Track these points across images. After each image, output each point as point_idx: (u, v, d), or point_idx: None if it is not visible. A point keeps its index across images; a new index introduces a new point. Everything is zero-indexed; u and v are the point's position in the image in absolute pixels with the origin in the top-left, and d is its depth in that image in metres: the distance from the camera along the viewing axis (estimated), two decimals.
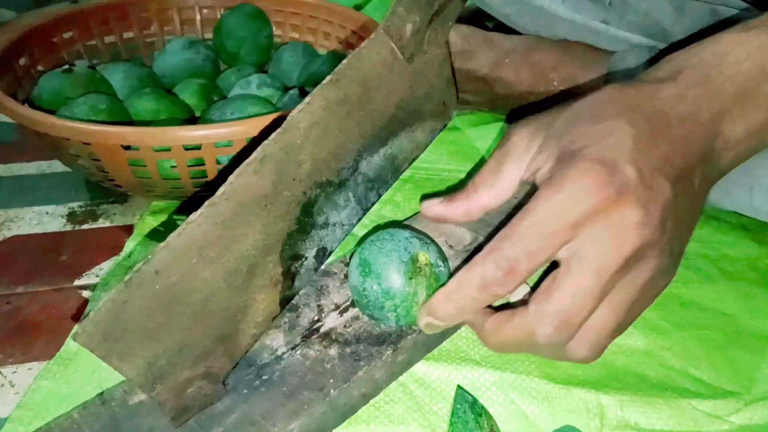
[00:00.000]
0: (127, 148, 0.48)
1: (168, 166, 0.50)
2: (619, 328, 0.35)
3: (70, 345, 0.43)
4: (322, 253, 0.39)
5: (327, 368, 0.38)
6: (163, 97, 0.58)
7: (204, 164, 0.50)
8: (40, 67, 0.64)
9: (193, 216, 0.32)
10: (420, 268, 0.38)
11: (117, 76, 0.62)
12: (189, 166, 0.49)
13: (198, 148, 0.48)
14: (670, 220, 0.34)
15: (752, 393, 0.42)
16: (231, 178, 0.33)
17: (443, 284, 0.37)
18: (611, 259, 0.32)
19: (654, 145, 0.34)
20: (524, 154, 0.38)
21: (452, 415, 0.37)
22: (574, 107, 0.37)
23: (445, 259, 0.40)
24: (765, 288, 0.51)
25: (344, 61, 0.37)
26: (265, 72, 0.67)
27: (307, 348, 0.39)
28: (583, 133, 0.35)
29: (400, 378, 0.41)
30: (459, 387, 0.39)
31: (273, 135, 0.34)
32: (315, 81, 0.63)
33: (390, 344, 0.39)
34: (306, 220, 0.37)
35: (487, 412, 0.38)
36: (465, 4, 0.43)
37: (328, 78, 0.36)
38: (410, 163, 0.44)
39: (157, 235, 0.54)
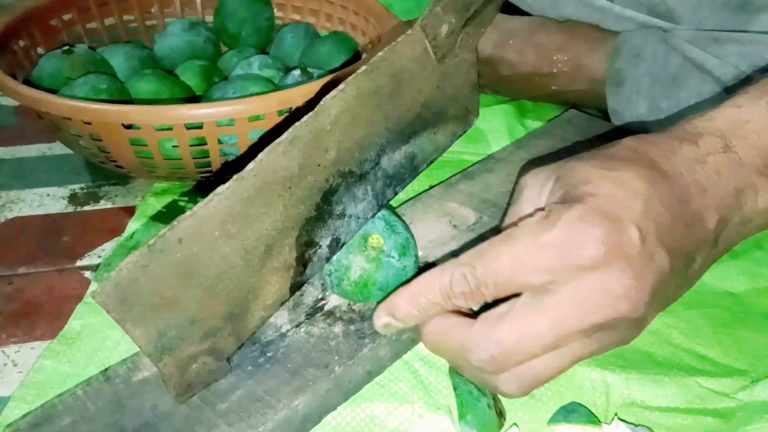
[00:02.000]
0: (129, 127, 0.48)
1: (170, 146, 0.49)
2: (557, 376, 0.33)
3: (72, 325, 0.43)
4: (335, 244, 0.39)
5: (331, 345, 0.38)
6: (165, 78, 0.58)
7: (206, 144, 0.49)
8: (39, 50, 0.63)
9: (221, 189, 0.32)
10: (366, 248, 0.38)
11: (118, 58, 0.62)
12: (191, 145, 0.49)
13: (200, 127, 0.47)
14: (657, 297, 0.31)
15: (759, 371, 0.42)
16: (261, 155, 0.33)
17: (385, 275, 0.38)
18: (577, 320, 0.30)
19: (666, 212, 0.31)
20: (537, 203, 0.35)
21: (454, 389, 0.37)
22: (589, 152, 0.35)
23: (406, 255, 0.40)
24: None
25: (379, 54, 0.37)
26: (267, 54, 0.67)
27: (312, 326, 0.39)
28: (594, 175, 0.32)
29: (405, 356, 0.41)
30: (450, 368, 0.39)
31: (305, 117, 0.34)
32: (317, 63, 0.62)
33: None
34: (325, 207, 0.37)
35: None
36: (498, 11, 0.43)
37: (362, 68, 0.36)
38: (428, 165, 0.44)
39: (160, 216, 0.53)
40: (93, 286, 0.47)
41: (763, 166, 0.34)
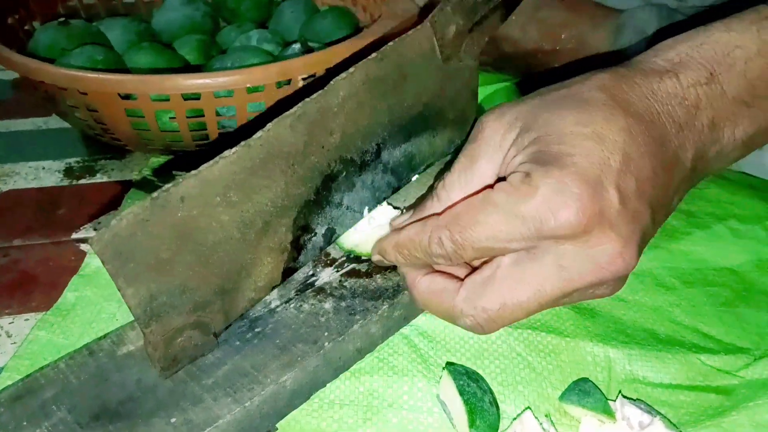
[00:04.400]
0: (126, 98, 0.47)
1: (167, 118, 0.49)
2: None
3: (67, 296, 0.42)
4: (330, 234, 0.39)
5: (321, 322, 0.37)
6: (162, 52, 0.57)
7: (204, 116, 0.48)
8: (35, 23, 0.62)
9: (227, 152, 0.31)
10: None
11: (115, 31, 0.61)
12: (188, 117, 0.48)
13: (197, 97, 0.47)
14: (641, 249, 0.31)
15: (761, 348, 0.41)
16: (269, 125, 0.33)
17: None
18: (560, 287, 0.30)
19: (646, 163, 0.30)
20: (498, 148, 0.33)
21: (461, 394, 0.35)
22: (558, 93, 0.33)
23: None
24: None
25: (389, 43, 0.37)
26: (266, 28, 0.66)
27: (302, 302, 0.38)
28: (567, 132, 0.31)
29: (404, 331, 0.41)
30: (448, 364, 0.38)
31: (314, 95, 0.34)
32: (317, 37, 0.61)
33: (386, 299, 0.39)
34: (324, 193, 0.37)
35: (480, 376, 0.37)
36: (502, 23, 0.44)
37: (373, 55, 0.36)
38: (425, 168, 0.44)
39: (156, 190, 0.53)
40: (89, 258, 0.46)
41: (748, 96, 0.33)
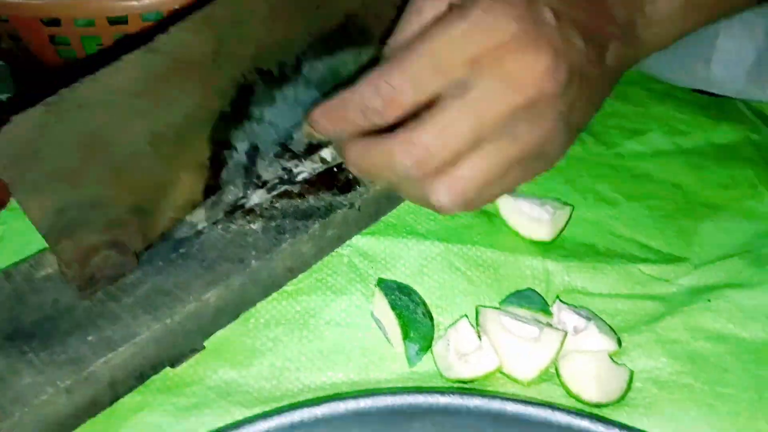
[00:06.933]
0: (50, 24, 0.45)
1: (94, 45, 0.47)
2: (489, 186, 0.31)
3: None
4: (254, 151, 0.38)
5: (249, 241, 0.36)
6: None
7: None
8: None
9: (128, 56, 0.29)
10: None
11: None
12: None
13: (125, 21, 0.45)
14: (576, 83, 0.31)
15: (700, 257, 0.42)
16: (171, 28, 0.31)
17: None
18: (498, 103, 0.29)
19: (575, 1, 0.31)
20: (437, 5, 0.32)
21: (393, 308, 0.35)
22: None
23: None
24: (717, 161, 0.49)
25: None
26: None
27: (230, 223, 0.38)
28: None
29: (343, 252, 0.40)
30: (380, 280, 0.38)
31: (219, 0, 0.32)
32: None
33: (318, 218, 0.38)
34: (241, 105, 0.35)
35: (412, 289, 0.37)
36: None
37: None
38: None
39: None
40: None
41: None
